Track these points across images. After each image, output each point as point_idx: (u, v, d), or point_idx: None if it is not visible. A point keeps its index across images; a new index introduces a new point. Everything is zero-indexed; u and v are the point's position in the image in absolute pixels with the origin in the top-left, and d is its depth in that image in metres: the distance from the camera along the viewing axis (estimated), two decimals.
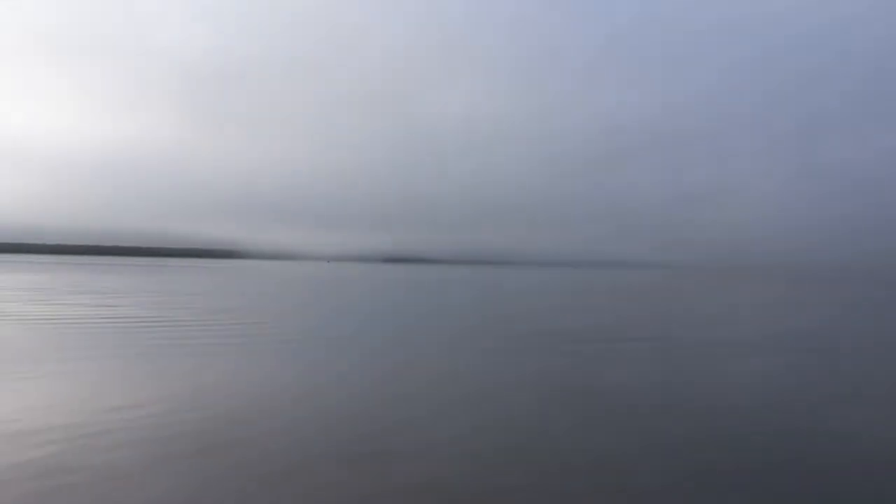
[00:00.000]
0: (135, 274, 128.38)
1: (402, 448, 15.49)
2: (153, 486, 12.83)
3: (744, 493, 13.11)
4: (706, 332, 41.44)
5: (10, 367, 24.29)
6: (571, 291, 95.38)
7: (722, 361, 28.93)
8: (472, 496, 12.65)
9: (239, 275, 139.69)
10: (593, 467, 14.39)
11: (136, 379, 22.65)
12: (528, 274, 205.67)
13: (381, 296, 75.41)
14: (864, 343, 36.63)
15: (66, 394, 20.22)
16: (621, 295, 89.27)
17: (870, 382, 24.62)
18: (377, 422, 17.75)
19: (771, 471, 14.41)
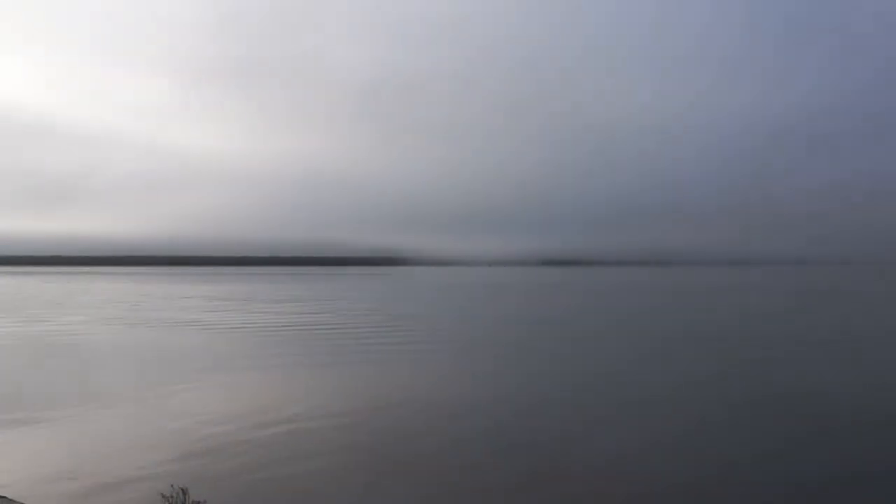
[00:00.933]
0: (311, 283, 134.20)
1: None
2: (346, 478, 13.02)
3: None
4: None
5: (203, 372, 25.69)
6: (783, 293, 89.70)
7: None
8: None
9: (408, 282, 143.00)
10: None
11: (318, 384, 23.36)
12: (707, 274, 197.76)
13: (555, 301, 74.48)
14: None
15: (253, 398, 21.08)
16: (830, 295, 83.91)
17: None
18: (560, 445, 17.27)
19: None
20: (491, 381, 23.83)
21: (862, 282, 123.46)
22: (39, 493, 12.28)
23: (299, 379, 24.41)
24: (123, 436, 16.33)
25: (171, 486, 11.35)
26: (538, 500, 12.16)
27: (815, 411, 18.56)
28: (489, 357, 29.68)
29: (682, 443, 15.70)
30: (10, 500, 11.89)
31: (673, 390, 21.67)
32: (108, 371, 26.32)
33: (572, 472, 13.72)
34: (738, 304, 64.16)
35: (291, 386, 23.16)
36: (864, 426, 16.98)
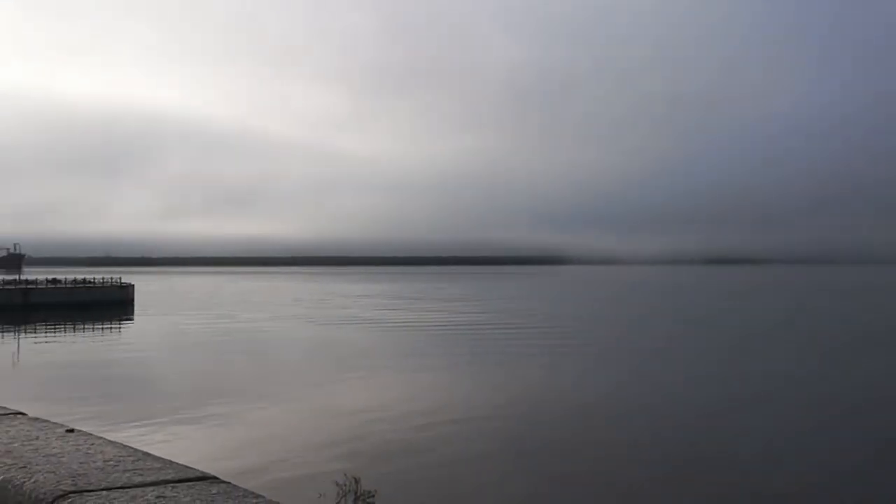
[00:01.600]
0: (474, 282, 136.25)
1: None
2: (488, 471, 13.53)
3: None
4: None
5: (373, 368, 27.11)
6: None
7: None
8: None
9: (570, 281, 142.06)
10: None
11: (481, 382, 24.12)
12: (884, 274, 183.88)
13: (722, 302, 72.10)
14: None
15: (420, 394, 22.07)
16: None
17: None
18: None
19: None
20: (662, 385, 23.71)
21: None
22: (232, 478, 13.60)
23: (463, 377, 25.29)
24: (300, 426, 17.68)
25: (344, 475, 12.23)
26: None
27: None
28: (656, 360, 29.42)
29: None
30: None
31: (866, 400, 20.72)
32: (288, 365, 28.28)
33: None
34: None
35: (456, 383, 24.05)
36: None
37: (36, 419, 2.37)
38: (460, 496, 12.84)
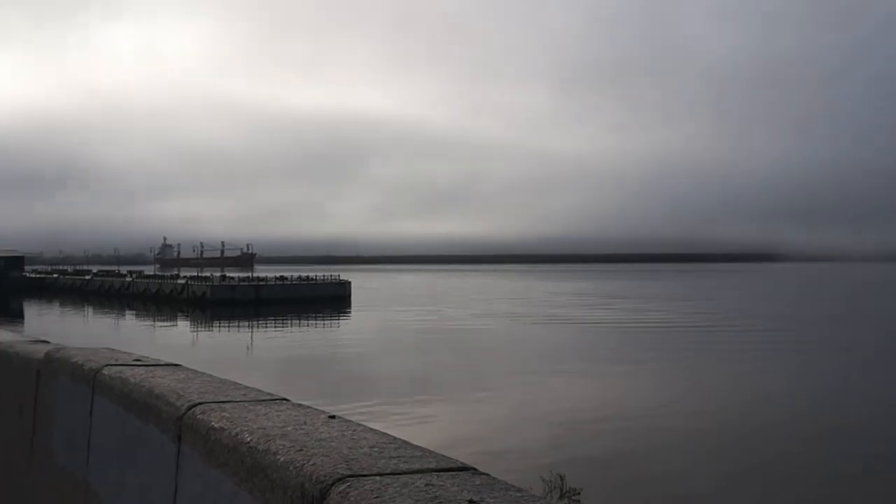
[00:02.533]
0: (674, 280, 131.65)
1: None
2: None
3: None
4: None
5: (581, 363, 26.94)
6: None
7: None
8: None
9: (777, 279, 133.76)
10: None
11: (678, 382, 23.29)
12: None
13: None
14: None
15: (619, 393, 21.66)
16: None
17: None
18: None
19: None
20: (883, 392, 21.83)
21: None
22: None
23: (674, 379, 24.53)
24: (505, 421, 17.89)
25: (550, 471, 12.25)
26: None
27: None
28: (876, 366, 27.04)
29: None
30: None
31: None
32: (494, 361, 28.74)
33: None
34: None
35: (666, 386, 23.38)
36: None
37: (299, 405, 2.54)
38: (665, 497, 12.45)
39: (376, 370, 26.83)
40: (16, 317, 65.60)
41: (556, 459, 14.16)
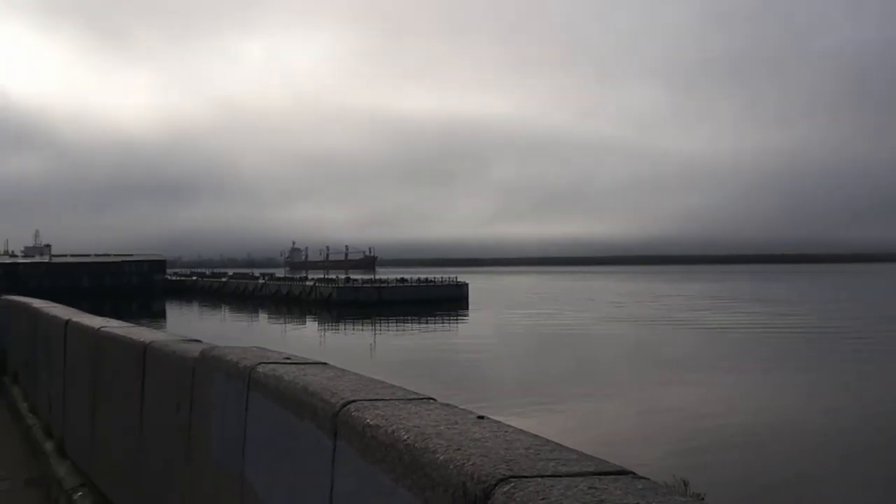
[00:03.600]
0: (795, 281, 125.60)
1: None
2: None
3: None
4: None
5: (700, 367, 26.07)
6: None
7: None
8: None
9: None
10: None
11: (801, 387, 22.15)
12: None
13: None
14: None
15: (739, 397, 20.77)
16: None
17: None
18: None
19: None
20: None
21: None
22: None
23: (782, 381, 23.43)
24: (626, 423, 17.53)
25: (672, 476, 11.90)
26: None
27: None
28: None
29: None
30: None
31: None
32: (609, 363, 28.23)
33: None
34: None
35: (775, 387, 22.36)
36: None
37: (447, 405, 2.55)
38: None
39: (499, 372, 26.87)
40: (159, 317, 69.46)
41: (679, 463, 13.76)
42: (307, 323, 64.77)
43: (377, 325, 55.86)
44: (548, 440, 2.03)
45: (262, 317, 72.89)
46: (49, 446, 7.32)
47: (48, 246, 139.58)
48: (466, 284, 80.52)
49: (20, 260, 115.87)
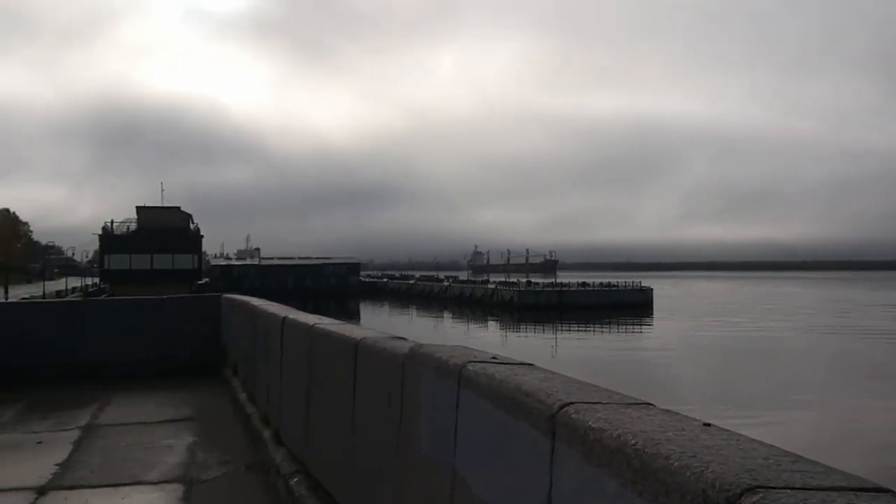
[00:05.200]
0: None
1: None
2: None
3: None
4: None
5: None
6: None
7: None
8: None
9: None
10: None
11: None
12: None
13: None
14: None
15: None
16: None
17: None
18: None
19: None
20: None
21: None
22: None
23: None
24: (833, 435, 16.30)
25: None
26: None
27: None
28: None
29: None
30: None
31: None
32: (807, 374, 26.36)
33: None
34: None
35: None
36: None
37: (667, 411, 2.46)
38: None
39: (691, 380, 25.86)
40: (354, 316, 72.94)
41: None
42: (489, 325, 65.59)
43: (558, 329, 55.52)
44: (786, 451, 1.89)
45: (447, 318, 74.67)
46: (267, 434, 7.86)
47: (257, 249, 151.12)
48: (651, 289, 78.28)
49: (234, 262, 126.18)
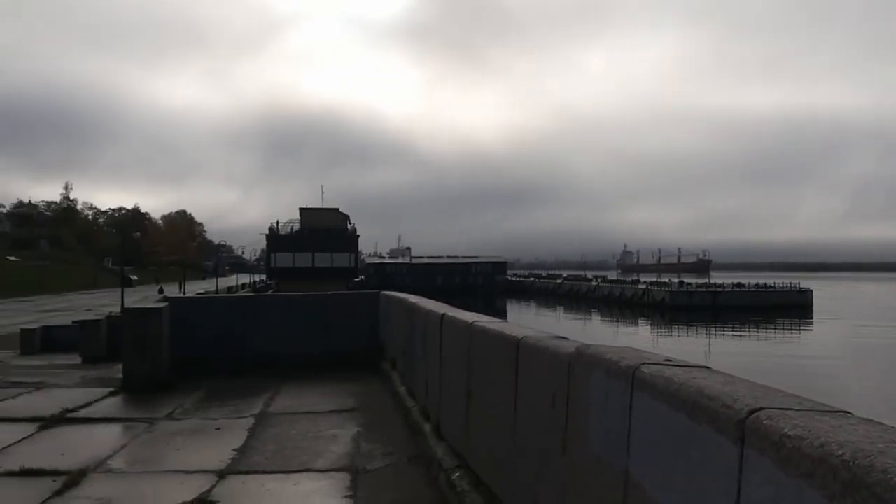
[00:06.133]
0: None
1: None
2: None
3: None
4: None
5: None
6: None
7: None
8: None
9: None
10: None
11: None
12: None
13: None
14: None
15: None
16: None
17: None
18: None
19: None
20: None
21: None
22: None
23: None
24: None
25: None
26: None
27: None
28: None
29: None
30: None
31: None
32: None
33: None
34: None
35: None
36: None
37: (868, 420, 2.29)
38: None
39: (860, 389, 24.12)
40: (500, 314, 73.21)
41: None
42: (639, 326, 63.97)
43: (712, 330, 53.36)
44: None
45: (595, 318, 73.56)
46: (427, 428, 8.01)
47: (408, 248, 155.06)
48: (811, 291, 73.78)
49: (387, 260, 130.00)
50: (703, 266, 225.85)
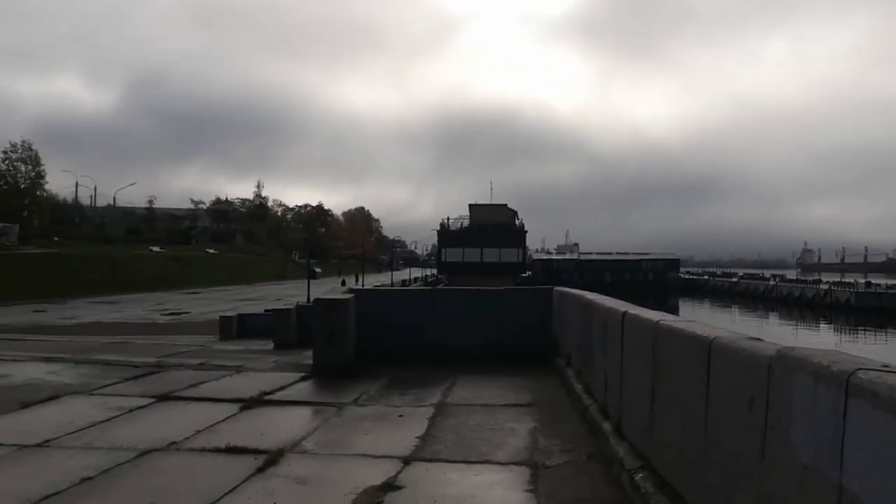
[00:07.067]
0: None
1: None
2: None
3: None
4: None
5: None
6: None
7: None
8: None
9: None
10: None
11: None
12: None
13: None
14: None
15: None
16: None
17: None
18: None
19: None
20: None
21: None
22: None
23: None
24: None
25: None
26: None
27: None
28: None
29: None
30: None
31: None
32: None
33: None
34: None
35: None
36: None
37: None
38: None
39: None
40: (672, 312, 70.67)
41: None
42: (820, 328, 59.71)
43: None
44: None
45: (773, 318, 69.46)
46: (606, 426, 7.86)
47: (576, 244, 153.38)
48: None
49: (554, 256, 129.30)
50: (893, 266, 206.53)
